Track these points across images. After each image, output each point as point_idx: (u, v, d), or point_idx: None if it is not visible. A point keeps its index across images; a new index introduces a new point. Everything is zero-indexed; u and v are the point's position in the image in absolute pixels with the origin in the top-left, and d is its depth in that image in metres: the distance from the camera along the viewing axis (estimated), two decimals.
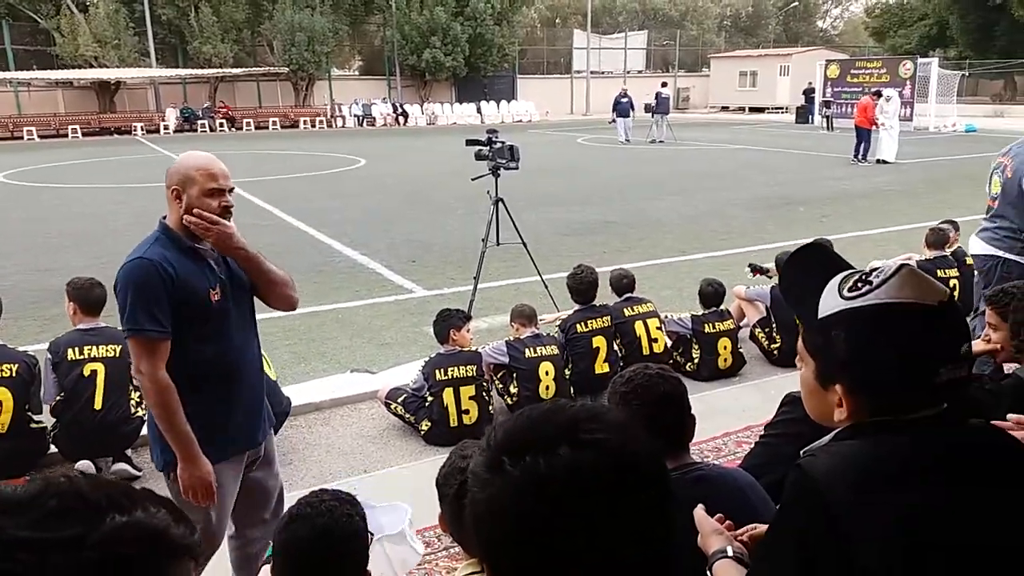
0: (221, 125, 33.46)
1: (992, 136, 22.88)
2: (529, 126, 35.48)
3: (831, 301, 1.16)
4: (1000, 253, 4.22)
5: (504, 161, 6.76)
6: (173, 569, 0.57)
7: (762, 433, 2.51)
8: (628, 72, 47.44)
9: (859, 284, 1.15)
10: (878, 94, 18.89)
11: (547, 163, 18.26)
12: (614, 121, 24.82)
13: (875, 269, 1.18)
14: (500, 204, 6.73)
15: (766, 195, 13.31)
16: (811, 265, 1.26)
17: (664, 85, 26.26)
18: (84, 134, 31.18)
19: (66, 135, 30.91)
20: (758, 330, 5.70)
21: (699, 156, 20.72)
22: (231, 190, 2.42)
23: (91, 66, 33.16)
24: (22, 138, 30.16)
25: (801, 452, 1.21)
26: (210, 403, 2.39)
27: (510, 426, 0.86)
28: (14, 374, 3.72)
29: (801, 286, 1.24)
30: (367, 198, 13.91)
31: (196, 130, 32.82)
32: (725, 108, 43.67)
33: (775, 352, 5.51)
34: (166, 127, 32.54)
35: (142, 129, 32.21)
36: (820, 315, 1.17)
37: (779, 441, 2.32)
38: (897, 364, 1.10)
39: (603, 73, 46.56)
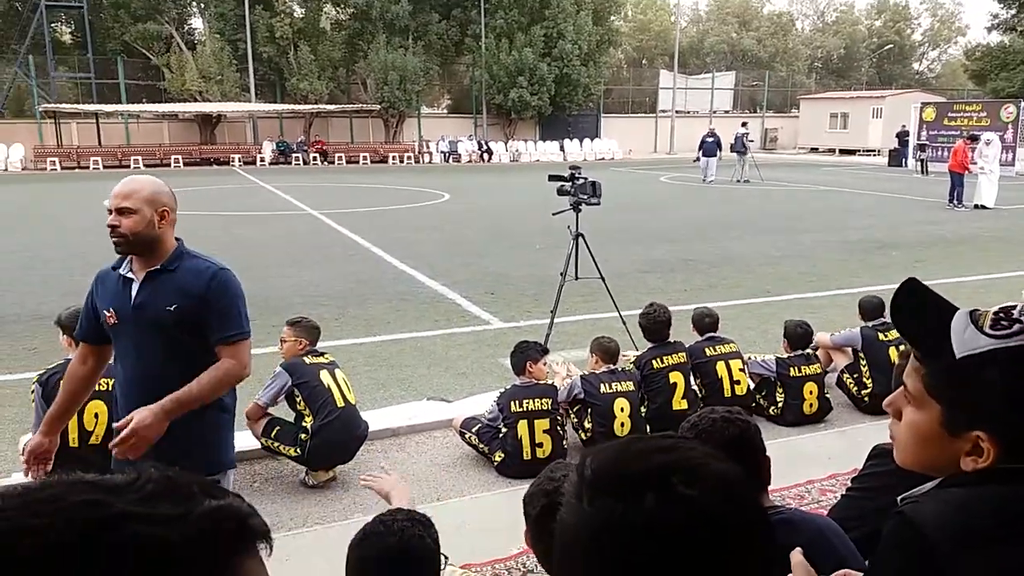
0: (314, 159, 34.78)
1: None
2: (612, 163, 35.50)
3: (972, 340, 1.04)
4: None
5: (586, 197, 6.78)
6: (258, 551, 0.62)
7: (848, 486, 2.40)
8: (715, 112, 47.06)
9: (1003, 323, 1.03)
10: (973, 138, 18.18)
11: (629, 200, 18.21)
12: (699, 159, 24.63)
13: (1011, 307, 1.08)
14: (580, 239, 6.74)
15: (857, 238, 12.89)
16: (926, 299, 1.18)
17: (744, 125, 26.01)
18: (186, 164, 32.91)
19: (169, 164, 32.68)
20: (846, 376, 5.48)
21: (786, 197, 20.27)
22: (122, 211, 2.54)
23: (195, 100, 35.14)
24: (129, 167, 32.02)
25: (899, 499, 1.12)
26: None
27: (606, 454, 0.80)
28: (110, 388, 3.90)
29: (917, 320, 1.13)
30: (450, 231, 14.15)
31: (290, 163, 34.20)
32: (815, 149, 42.71)
33: (866, 399, 5.28)
34: (262, 159, 34.04)
35: (240, 160, 33.78)
36: (960, 354, 1.04)
37: (867, 495, 2.22)
38: None
39: (689, 113, 46.34)
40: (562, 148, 39.22)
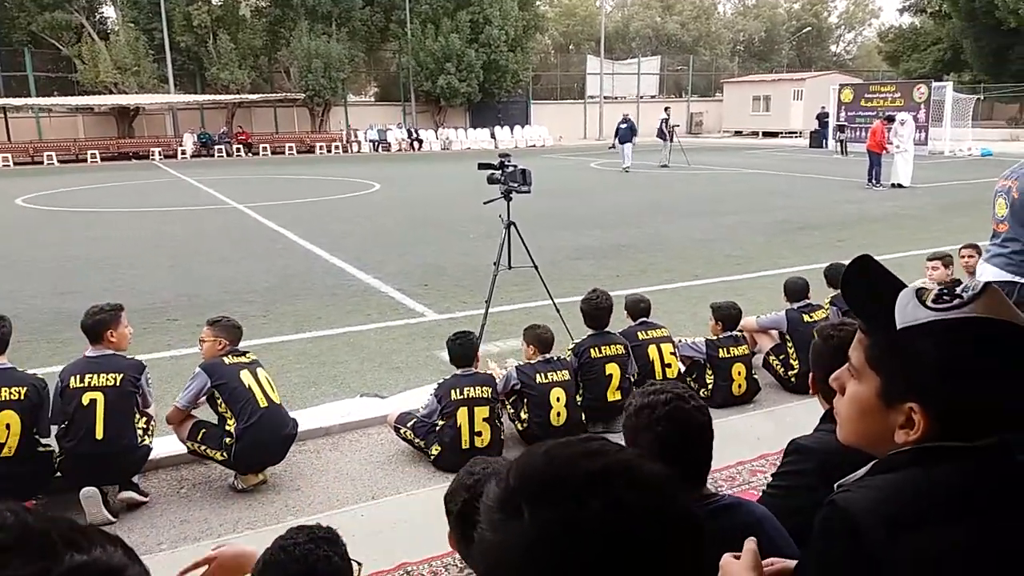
0: (238, 150, 33.82)
1: (1008, 160, 22.62)
2: (543, 151, 35.63)
3: (913, 312, 1.06)
4: (1017, 279, 4.06)
5: (516, 185, 6.75)
6: None
7: (768, 483, 2.42)
8: (641, 97, 47.66)
9: (945, 297, 1.06)
10: (890, 119, 18.85)
11: (560, 187, 18.30)
12: (614, 146, 24.71)
13: (955, 283, 1.10)
14: (512, 228, 6.72)
15: (781, 219, 13.24)
16: (876, 275, 1.19)
17: (666, 110, 26.21)
18: (103, 159, 31.59)
19: (85, 160, 31.32)
20: (772, 357, 5.62)
21: (711, 181, 20.69)
22: None
23: (111, 92, 33.73)
24: (42, 163, 30.60)
25: (835, 486, 1.12)
26: None
27: (532, 463, 0.77)
28: (22, 397, 3.70)
29: (865, 294, 1.15)
30: (380, 222, 13.95)
31: (213, 155, 33.17)
32: (739, 133, 43.73)
33: (792, 379, 5.42)
34: (183, 152, 32.94)
35: (160, 154, 32.62)
36: (900, 325, 1.07)
37: (787, 493, 2.21)
38: (997, 382, 1.01)
39: (616, 98, 46.80)
40: (493, 135, 39.14)
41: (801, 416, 4.83)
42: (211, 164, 29.99)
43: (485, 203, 7.16)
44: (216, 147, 33.55)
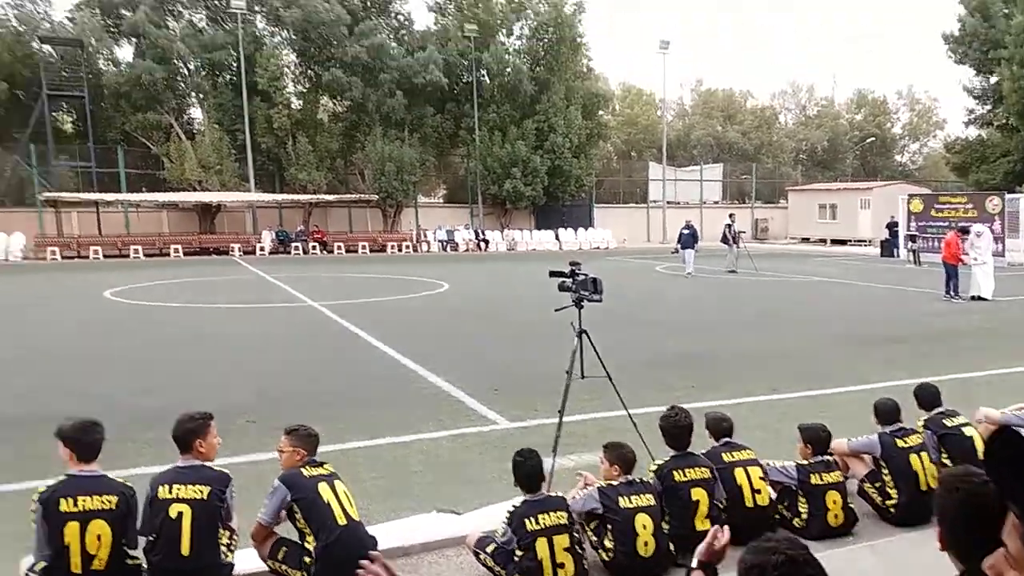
0: (314, 248, 35.06)
1: None
2: (606, 253, 35.90)
3: None
4: None
5: (588, 293, 6.74)
6: None
7: None
8: (704, 203, 47.97)
9: None
10: (964, 230, 18.44)
11: (627, 291, 18.27)
12: (676, 251, 24.61)
13: None
14: (584, 335, 6.68)
15: (859, 332, 12.86)
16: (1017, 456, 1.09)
17: (730, 216, 26.25)
18: (185, 253, 33.10)
19: (168, 254, 32.84)
20: (867, 485, 5.31)
21: (781, 288, 20.39)
22: None
23: (194, 189, 35.63)
24: (129, 256, 32.17)
25: None
26: None
27: None
28: (113, 506, 3.71)
29: (1016, 477, 1.05)
30: (450, 322, 14.09)
31: (289, 252, 34.43)
32: (806, 239, 43.37)
33: (891, 509, 5.10)
34: (262, 248, 34.31)
35: (239, 250, 34.00)
36: None
37: None
38: None
39: (679, 203, 47.22)
40: (557, 237, 39.75)
41: (908, 552, 4.51)
42: (288, 261, 31.07)
43: (556, 310, 7.15)
44: (293, 244, 34.86)
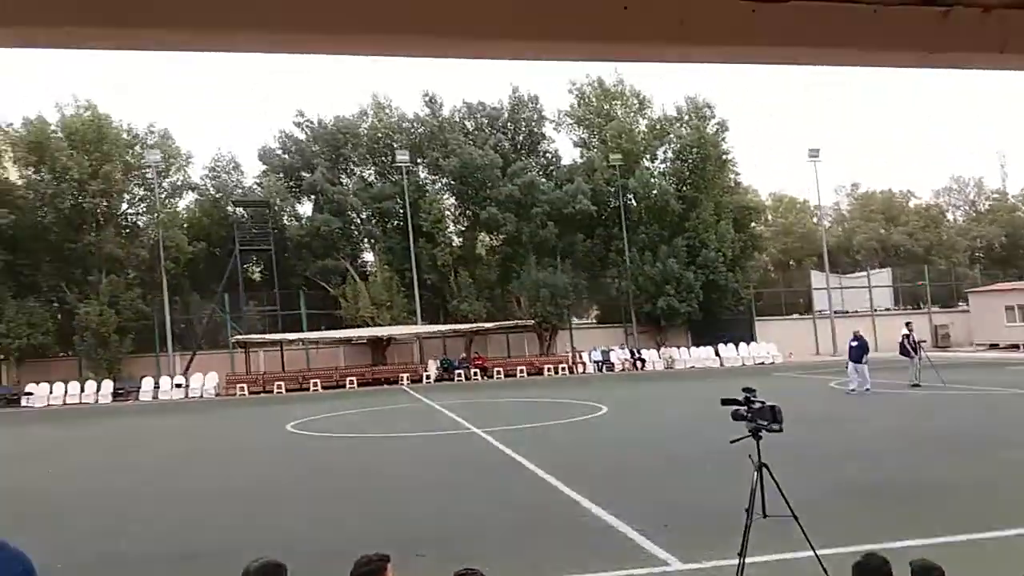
0: (475, 374, 36.13)
1: None
2: (772, 368, 34.39)
3: None
4: None
5: (766, 423, 6.46)
6: None
7: None
8: (875, 310, 45.28)
9: None
10: None
11: (801, 411, 17.28)
12: (848, 366, 22.55)
13: None
14: (764, 469, 6.37)
15: None
16: None
17: (907, 325, 24.11)
18: (359, 384, 35.08)
19: (344, 386, 34.89)
20: None
21: (978, 404, 18.59)
22: None
23: (367, 325, 38.10)
24: (308, 389, 34.48)
25: None
26: None
27: None
28: None
29: None
30: (611, 449, 13.90)
31: (453, 379, 35.68)
32: (994, 345, 39.55)
33: None
34: (428, 376, 35.79)
35: (407, 379, 35.62)
36: None
37: None
38: None
39: (848, 312, 44.80)
40: (717, 353, 38.66)
41: None
42: (451, 388, 32.13)
43: (732, 442, 6.89)
44: (456, 371, 36.11)
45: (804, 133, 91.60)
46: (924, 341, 26.83)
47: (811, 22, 1.95)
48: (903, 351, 23.50)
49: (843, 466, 11.41)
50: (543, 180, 41.61)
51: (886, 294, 48.35)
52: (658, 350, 39.36)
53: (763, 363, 37.45)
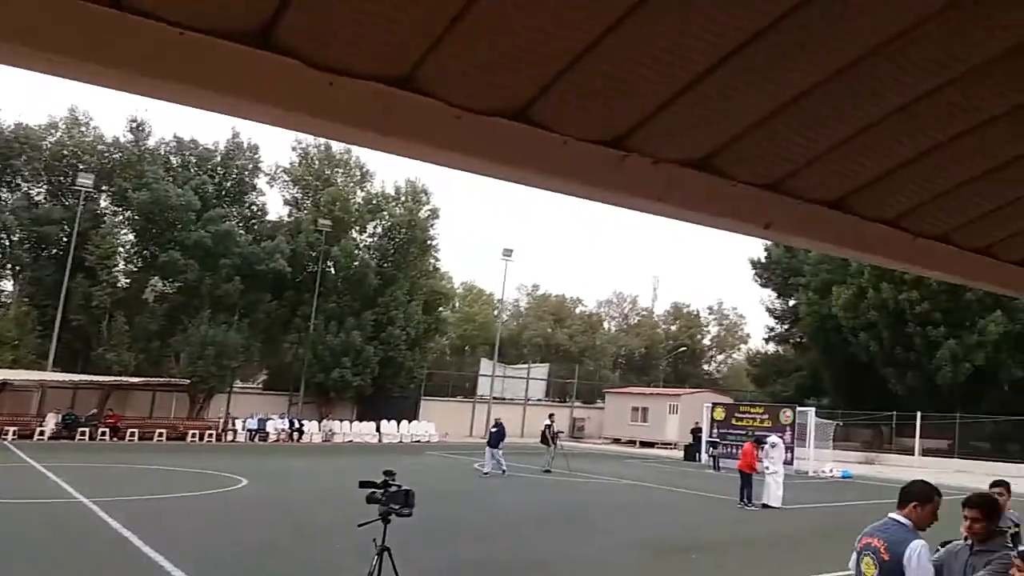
0: (103, 434, 31.79)
1: (866, 483, 23.93)
2: (427, 446, 35.30)
3: None
4: None
5: (398, 507, 6.44)
6: None
7: None
8: (529, 400, 49.07)
9: None
10: (759, 441, 19.82)
11: (441, 488, 17.79)
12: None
13: None
14: (386, 554, 6.27)
15: (659, 537, 13.09)
16: None
17: (550, 417, 26.50)
18: None
19: None
20: None
21: (591, 491, 20.65)
22: None
23: None
24: None
25: None
26: None
27: None
28: None
29: None
30: (239, 528, 12.91)
31: (74, 438, 30.99)
32: (617, 440, 44.89)
33: None
34: (41, 433, 30.68)
35: (14, 433, 30.16)
36: None
37: None
38: None
39: (505, 399, 48.00)
40: (378, 428, 38.70)
41: None
42: (69, 448, 27.89)
43: (360, 526, 6.70)
44: (80, 429, 31.50)
45: (500, 230, 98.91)
46: (562, 432, 29.51)
47: (505, 142, 2.00)
48: (543, 440, 25.60)
49: (467, 543, 11.80)
50: (242, 232, 39.33)
51: (541, 386, 52.78)
52: (319, 422, 38.39)
53: (419, 441, 38.28)
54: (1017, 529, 6.47)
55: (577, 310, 70.05)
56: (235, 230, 38.23)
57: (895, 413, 36.78)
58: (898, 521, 4.10)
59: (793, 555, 12.14)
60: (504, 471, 22.64)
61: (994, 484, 6.66)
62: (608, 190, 2.26)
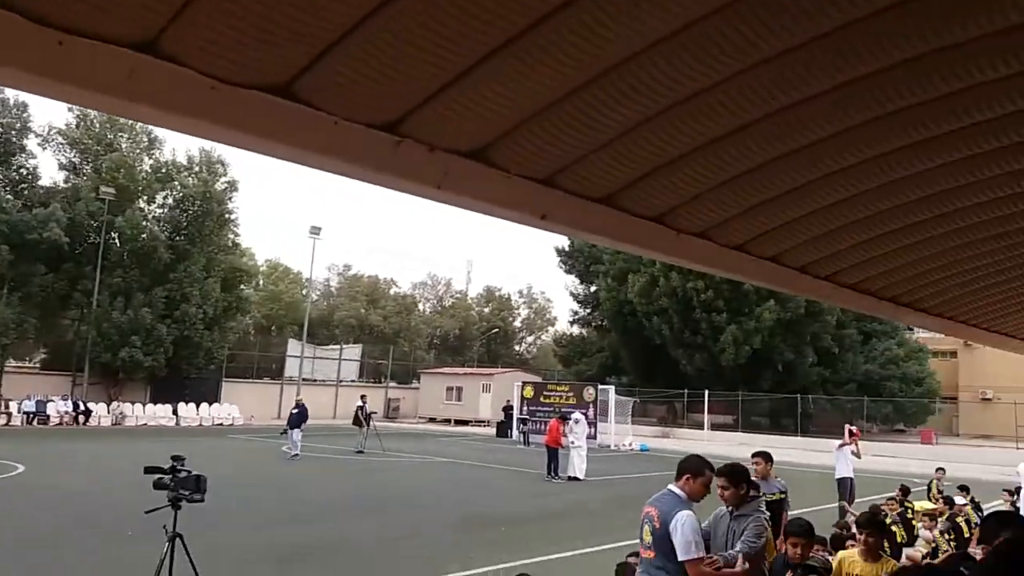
0: None
1: (662, 456, 25.83)
2: (231, 429, 33.73)
3: None
4: None
5: (188, 492, 6.16)
6: None
7: None
8: (341, 381, 48.17)
9: None
10: (564, 417, 20.84)
11: (245, 475, 17.07)
12: (285, 432, 23.34)
13: None
14: (178, 540, 5.94)
15: (468, 513, 13.36)
16: None
17: (362, 398, 26.23)
18: None
19: None
20: None
21: (406, 469, 20.72)
22: None
23: None
24: None
25: None
26: None
27: None
28: None
29: None
30: (20, 516, 11.64)
31: None
32: (433, 419, 45.35)
33: None
34: None
35: None
36: None
37: None
38: None
39: (316, 381, 46.78)
40: (175, 412, 36.31)
41: None
42: None
43: (147, 512, 6.30)
44: None
45: (311, 208, 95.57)
46: (375, 412, 29.23)
47: (267, 116, 1.94)
48: (356, 420, 25.27)
49: (273, 527, 11.43)
50: (9, 197, 34.84)
51: (354, 367, 51.95)
52: (108, 404, 35.37)
53: (222, 424, 36.43)
54: (783, 496, 7.31)
55: (391, 291, 69.58)
56: (1, 195, 33.94)
57: (686, 391, 39.97)
58: (673, 492, 4.40)
59: (592, 523, 12.89)
60: (297, 454, 21.65)
61: (754, 455, 7.48)
62: (383, 174, 2.27)
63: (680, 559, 4.13)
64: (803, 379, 39.85)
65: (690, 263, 3.61)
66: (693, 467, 4.41)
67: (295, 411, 22.76)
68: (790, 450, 28.08)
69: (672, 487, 4.43)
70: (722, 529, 4.88)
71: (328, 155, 2.11)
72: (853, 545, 5.99)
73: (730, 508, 4.89)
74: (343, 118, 2.05)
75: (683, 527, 4.15)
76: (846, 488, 13.52)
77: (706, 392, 37.79)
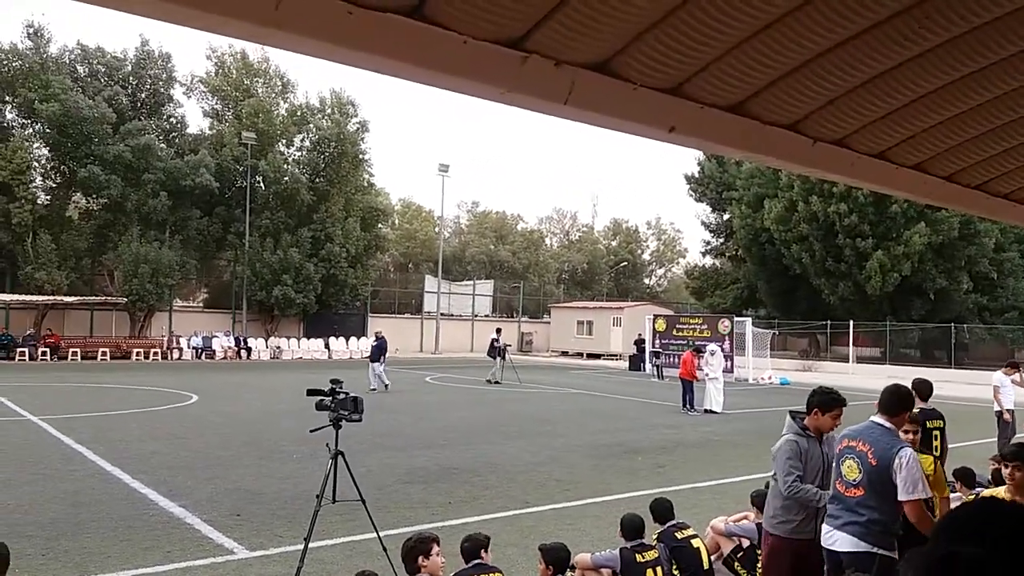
0: (44, 354, 31.07)
1: (804, 388, 25.06)
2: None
3: None
4: (875, 549, 4.03)
5: (347, 413, 6.58)
6: None
7: None
8: (476, 316, 49.55)
9: None
10: (698, 350, 20.56)
11: (392, 403, 18.06)
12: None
13: None
14: (340, 457, 6.43)
15: (605, 442, 13.61)
16: None
17: (497, 331, 26.74)
18: None
19: None
20: (736, 564, 6.21)
21: (542, 400, 21.22)
22: None
23: None
24: None
25: None
26: None
27: None
28: None
29: None
30: (194, 440, 12.93)
31: (13, 358, 30.24)
32: (565, 353, 45.97)
33: None
34: None
35: None
36: None
37: None
38: None
39: (452, 316, 48.36)
40: (327, 346, 38.75)
41: None
42: (8, 368, 27.25)
43: (312, 431, 6.86)
44: (18, 349, 30.69)
45: (440, 147, 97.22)
46: (509, 345, 30.01)
47: (401, 38, 1.98)
48: (491, 353, 26.04)
49: (418, 451, 12.11)
50: (163, 146, 37.50)
51: (487, 303, 53.28)
52: (266, 339, 38.17)
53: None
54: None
55: (519, 227, 70.17)
56: (155, 143, 36.35)
57: (829, 322, 38.37)
58: (883, 426, 4.15)
59: (731, 456, 12.79)
60: (374, 388, 21.07)
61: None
62: (512, 91, 2.27)
63: (901, 498, 3.96)
64: (957, 307, 37.29)
65: (826, 173, 3.45)
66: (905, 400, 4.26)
67: (375, 343, 22.11)
68: (944, 383, 26.53)
69: (877, 419, 4.18)
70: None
71: (459, 75, 2.15)
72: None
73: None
74: (472, 36, 2.10)
75: (909, 464, 3.97)
76: (1008, 423, 12.73)
77: (851, 323, 36.15)
